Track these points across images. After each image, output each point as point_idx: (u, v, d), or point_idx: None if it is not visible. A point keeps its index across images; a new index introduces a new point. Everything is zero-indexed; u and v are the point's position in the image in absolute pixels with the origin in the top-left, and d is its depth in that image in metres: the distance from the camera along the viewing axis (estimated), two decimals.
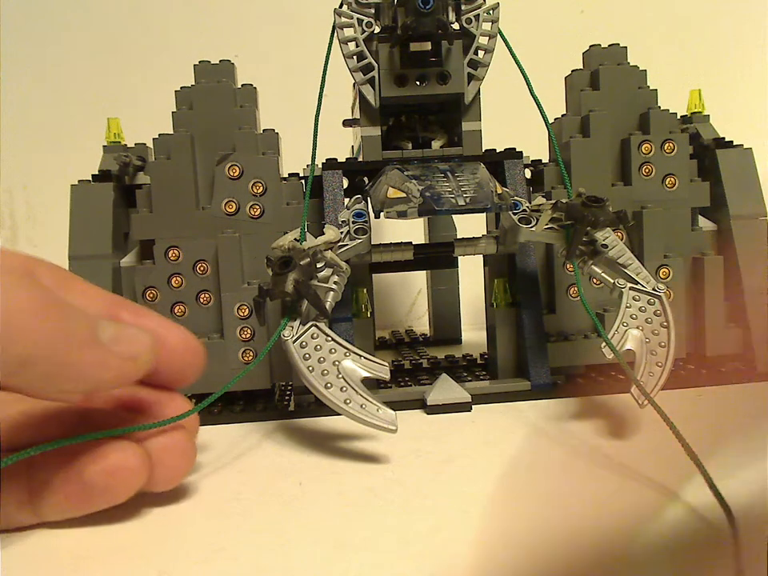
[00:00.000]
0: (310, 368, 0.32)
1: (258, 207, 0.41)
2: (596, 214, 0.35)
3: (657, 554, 0.21)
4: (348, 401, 0.31)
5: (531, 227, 0.38)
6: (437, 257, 0.43)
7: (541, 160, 0.45)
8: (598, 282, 0.42)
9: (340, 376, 0.32)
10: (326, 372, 0.32)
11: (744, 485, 0.24)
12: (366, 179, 0.43)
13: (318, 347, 0.33)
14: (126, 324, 0.25)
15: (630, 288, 0.34)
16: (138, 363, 0.24)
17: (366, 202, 0.40)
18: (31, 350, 0.21)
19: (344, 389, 0.31)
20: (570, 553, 0.21)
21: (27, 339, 0.21)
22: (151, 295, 0.41)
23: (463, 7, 0.39)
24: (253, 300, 0.34)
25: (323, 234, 0.36)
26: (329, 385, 0.31)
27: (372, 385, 0.40)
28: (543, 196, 0.40)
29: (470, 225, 0.51)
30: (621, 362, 0.31)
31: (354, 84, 0.42)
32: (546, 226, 0.37)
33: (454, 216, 0.60)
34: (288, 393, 0.43)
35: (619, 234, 0.42)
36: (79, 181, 0.42)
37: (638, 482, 0.26)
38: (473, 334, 0.62)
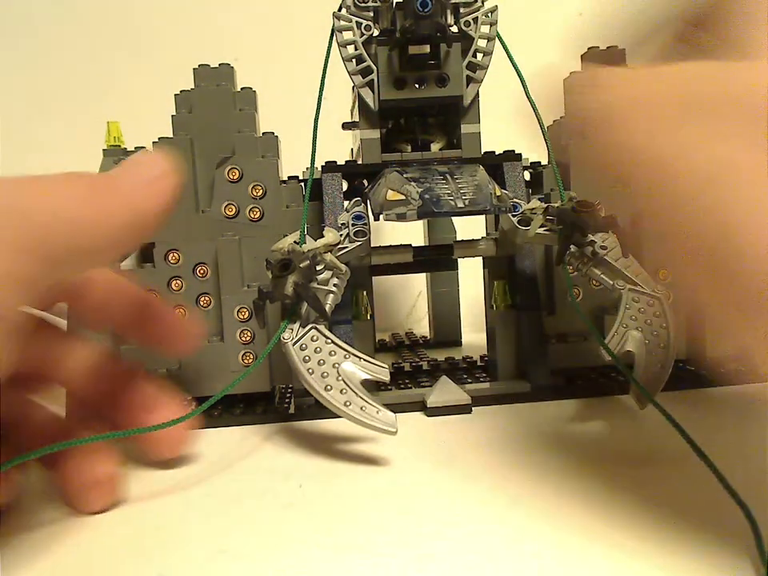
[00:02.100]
0: (310, 370, 0.32)
1: (257, 210, 0.41)
2: (584, 220, 0.35)
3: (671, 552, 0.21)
4: (348, 403, 0.31)
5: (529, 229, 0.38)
6: (436, 259, 0.44)
7: (540, 162, 0.45)
8: (597, 284, 0.42)
9: (340, 378, 0.32)
10: (325, 374, 0.32)
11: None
12: (365, 182, 0.43)
13: (318, 350, 0.33)
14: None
15: (630, 289, 0.34)
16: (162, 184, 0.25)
17: (366, 205, 0.40)
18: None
19: (344, 391, 0.31)
20: (568, 553, 0.21)
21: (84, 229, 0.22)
22: None
23: (462, 10, 0.39)
24: (253, 303, 0.34)
25: (323, 236, 0.36)
26: (329, 387, 0.31)
27: (372, 387, 0.40)
28: (540, 199, 0.40)
29: (470, 227, 0.51)
30: (619, 365, 0.31)
31: (353, 87, 0.42)
32: (539, 230, 0.37)
33: (453, 218, 0.60)
34: (288, 395, 0.43)
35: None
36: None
37: (641, 481, 0.26)
38: (473, 336, 0.62)
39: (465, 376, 0.44)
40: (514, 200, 0.39)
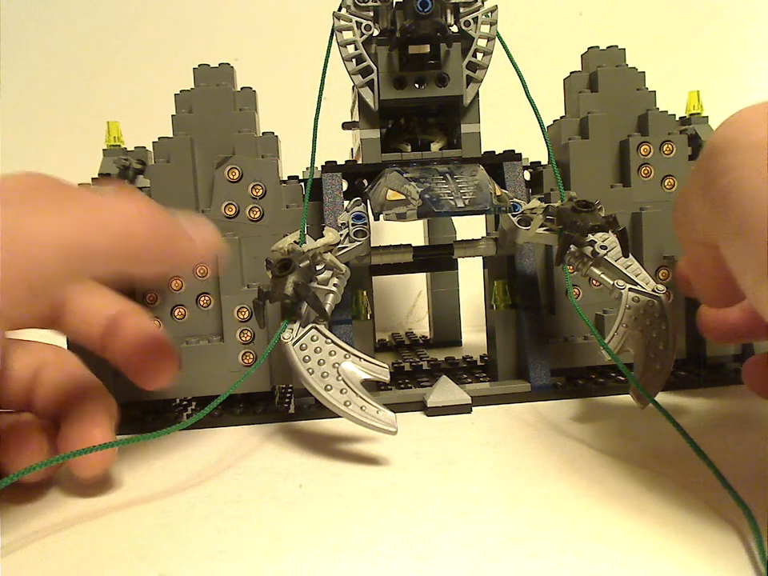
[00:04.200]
0: (310, 370, 0.32)
1: (257, 210, 0.41)
2: (585, 220, 0.35)
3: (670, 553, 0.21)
4: (348, 403, 0.31)
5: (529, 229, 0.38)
6: (436, 259, 0.44)
7: (540, 162, 0.45)
8: (597, 284, 0.42)
9: (340, 378, 0.32)
10: (325, 374, 0.32)
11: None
12: (365, 182, 0.43)
13: (318, 349, 0.33)
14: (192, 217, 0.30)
15: (630, 289, 0.34)
16: (211, 247, 0.30)
17: (366, 205, 0.40)
18: (144, 249, 0.26)
19: (344, 391, 0.31)
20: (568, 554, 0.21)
21: (141, 241, 0.26)
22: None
23: (462, 10, 0.39)
24: (252, 302, 0.34)
25: (323, 236, 0.36)
26: (328, 387, 0.31)
27: (372, 387, 0.40)
28: (540, 199, 0.40)
29: (470, 227, 0.51)
30: (619, 364, 0.31)
31: (353, 87, 0.42)
32: (539, 230, 0.37)
33: (453, 218, 0.60)
34: (288, 395, 0.43)
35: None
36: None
37: (641, 481, 0.26)
38: (473, 335, 0.62)
39: (465, 376, 0.44)
40: (514, 200, 0.39)
